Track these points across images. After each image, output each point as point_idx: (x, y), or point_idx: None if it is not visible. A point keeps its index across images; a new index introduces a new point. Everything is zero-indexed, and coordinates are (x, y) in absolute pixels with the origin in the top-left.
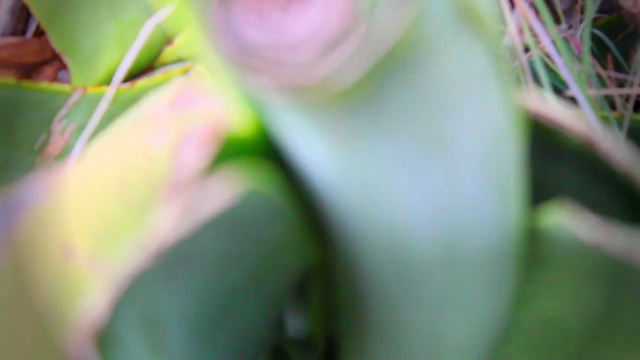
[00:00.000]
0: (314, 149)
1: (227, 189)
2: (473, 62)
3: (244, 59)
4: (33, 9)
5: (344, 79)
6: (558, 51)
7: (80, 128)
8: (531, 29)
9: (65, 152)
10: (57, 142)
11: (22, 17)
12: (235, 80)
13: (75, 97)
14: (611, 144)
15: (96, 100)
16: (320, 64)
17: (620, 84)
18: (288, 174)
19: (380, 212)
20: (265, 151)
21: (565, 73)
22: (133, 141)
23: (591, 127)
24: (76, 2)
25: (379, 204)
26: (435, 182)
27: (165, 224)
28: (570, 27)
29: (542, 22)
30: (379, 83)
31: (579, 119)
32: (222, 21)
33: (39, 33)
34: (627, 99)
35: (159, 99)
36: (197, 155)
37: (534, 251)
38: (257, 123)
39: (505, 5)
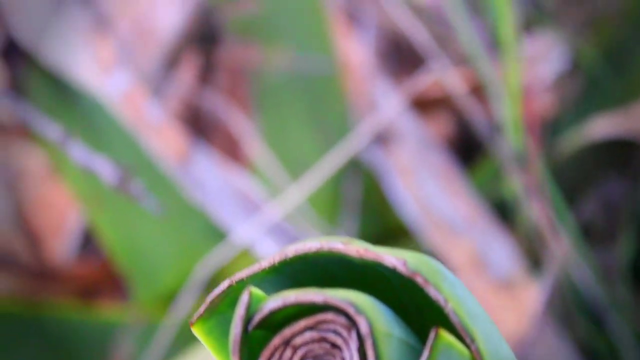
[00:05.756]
0: None
1: None
2: None
3: None
4: (98, 231)
5: None
6: (596, 283)
7: (139, 353)
8: (570, 259)
9: None
10: None
11: (89, 241)
12: None
13: (134, 321)
14: None
15: (155, 324)
16: None
17: None
18: None
19: None
20: None
21: (603, 306)
22: None
23: None
24: (140, 225)
25: None
26: None
27: None
28: (612, 235)
29: (580, 251)
30: None
31: None
32: None
33: (102, 253)
34: None
35: None
36: None
37: None
38: None
39: (547, 243)
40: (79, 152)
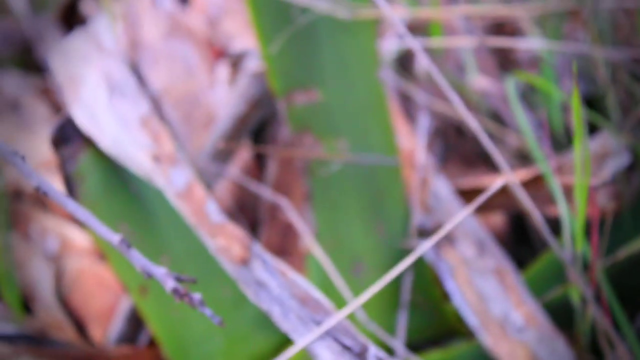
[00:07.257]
0: None
1: None
2: None
3: None
4: (145, 318)
5: None
6: None
7: None
8: None
9: None
10: None
11: (136, 325)
12: None
13: None
14: None
15: None
16: None
17: None
18: None
19: None
20: None
21: None
22: None
23: None
24: (189, 316)
25: None
26: None
27: None
28: None
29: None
30: None
31: None
32: None
33: (151, 342)
34: None
35: None
36: None
37: None
38: None
39: (605, 349)
40: (138, 258)
